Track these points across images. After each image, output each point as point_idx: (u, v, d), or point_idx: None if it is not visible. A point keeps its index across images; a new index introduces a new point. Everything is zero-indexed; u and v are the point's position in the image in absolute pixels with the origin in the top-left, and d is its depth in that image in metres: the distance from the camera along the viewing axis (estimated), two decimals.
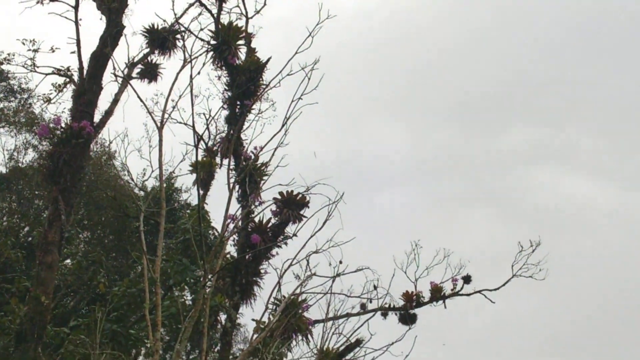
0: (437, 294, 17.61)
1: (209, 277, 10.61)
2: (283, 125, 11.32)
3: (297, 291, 11.77)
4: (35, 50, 16.76)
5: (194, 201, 27.51)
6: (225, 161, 16.11)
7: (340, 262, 11.79)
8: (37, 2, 16.88)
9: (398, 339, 13.50)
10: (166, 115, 11.59)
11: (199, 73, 11.92)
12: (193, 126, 11.13)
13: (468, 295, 17.75)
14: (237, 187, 14.47)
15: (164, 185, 11.95)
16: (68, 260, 25.60)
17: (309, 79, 11.26)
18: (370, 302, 15.74)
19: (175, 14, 16.29)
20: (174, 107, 11.80)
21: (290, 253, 13.54)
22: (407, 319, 17.31)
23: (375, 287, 14.88)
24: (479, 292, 17.73)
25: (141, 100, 11.44)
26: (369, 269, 12.75)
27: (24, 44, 16.84)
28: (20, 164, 33.69)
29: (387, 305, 16.83)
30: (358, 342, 14.09)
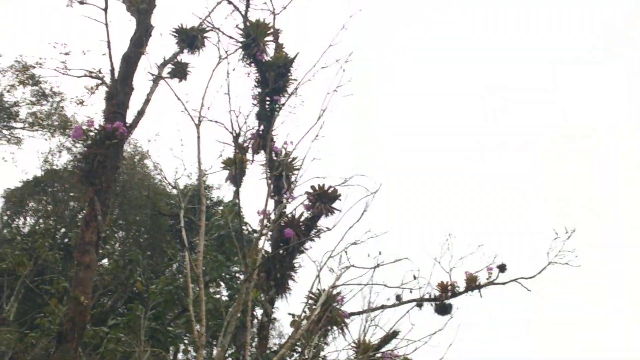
0: (472, 283, 17.59)
1: (252, 270, 10.68)
2: (319, 118, 11.35)
3: (336, 283, 11.81)
4: (67, 54, 16.93)
5: (226, 198, 27.68)
6: (257, 157, 16.24)
7: (380, 253, 11.82)
8: (67, 6, 17.08)
9: (440, 328, 13.49)
10: (203, 112, 11.67)
11: (234, 69, 11.98)
12: (231, 123, 11.23)
13: (503, 284, 17.71)
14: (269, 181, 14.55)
15: (199, 182, 12.05)
16: (105, 260, 25.86)
17: (344, 71, 11.30)
18: (411, 292, 15.79)
19: (203, 13, 16.47)
20: (210, 105, 11.87)
21: (323, 246, 13.60)
22: (443, 309, 17.32)
23: (415, 277, 14.92)
24: (515, 280, 17.67)
25: (178, 98, 11.55)
26: (408, 259, 12.76)
27: (55, 47, 17.01)
28: (54, 167, 34.02)
29: (422, 296, 16.84)
30: (394, 334, 14.09)
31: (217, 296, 18.47)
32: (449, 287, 17.46)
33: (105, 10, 16.38)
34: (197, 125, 11.61)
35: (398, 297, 16.33)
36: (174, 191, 26.62)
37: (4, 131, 34.19)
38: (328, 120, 11.26)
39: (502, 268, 17.69)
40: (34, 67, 29.21)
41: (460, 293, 17.52)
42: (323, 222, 15.24)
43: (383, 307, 13.82)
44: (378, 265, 12.07)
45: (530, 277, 17.59)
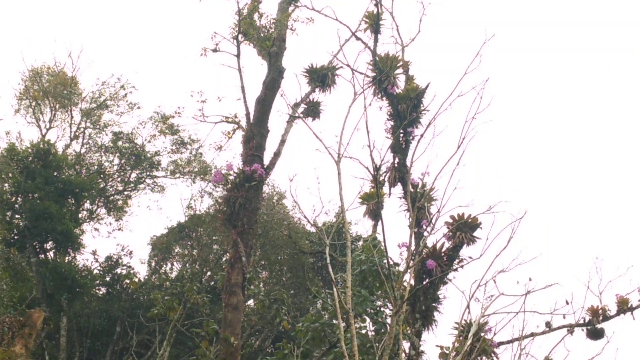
0: (624, 306, 16.99)
1: (401, 303, 10.65)
2: (459, 147, 11.25)
3: (485, 312, 11.61)
4: (203, 101, 17.40)
5: (365, 234, 27.71)
6: (393, 190, 16.20)
7: (530, 280, 11.59)
8: (201, 55, 17.61)
9: (598, 353, 13.08)
10: (342, 149, 11.76)
11: (370, 104, 12.05)
12: (372, 158, 11.28)
13: None
14: (407, 214, 14.50)
15: (340, 219, 12.13)
16: (250, 301, 26.26)
17: (482, 97, 11.20)
18: (564, 317, 15.42)
19: (332, 51, 16.66)
20: (348, 142, 11.95)
21: (466, 277, 13.42)
22: (595, 334, 16.78)
23: (567, 302, 14.56)
24: None
25: (317, 137, 11.69)
26: (558, 284, 12.44)
27: (192, 96, 17.51)
28: (197, 212, 34.94)
29: (576, 322, 16.38)
30: None
31: (364, 331, 18.43)
32: (600, 311, 16.91)
33: (238, 56, 16.83)
34: (337, 162, 11.69)
35: (547, 324, 15.92)
36: (314, 229, 26.85)
37: (148, 180, 35.45)
38: (469, 148, 11.16)
39: None
40: (172, 117, 30.19)
41: (612, 317, 16.94)
42: (464, 251, 15.06)
43: (533, 334, 13.53)
44: (529, 292, 11.82)
45: None
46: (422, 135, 13.17)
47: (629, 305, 16.99)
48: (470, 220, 14.86)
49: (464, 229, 14.87)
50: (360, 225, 31.71)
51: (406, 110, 15.94)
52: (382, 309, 19.51)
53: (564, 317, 15.48)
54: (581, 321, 16.75)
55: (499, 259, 11.00)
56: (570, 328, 16.41)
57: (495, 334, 13.14)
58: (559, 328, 15.86)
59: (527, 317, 12.68)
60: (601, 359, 13.15)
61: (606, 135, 72.14)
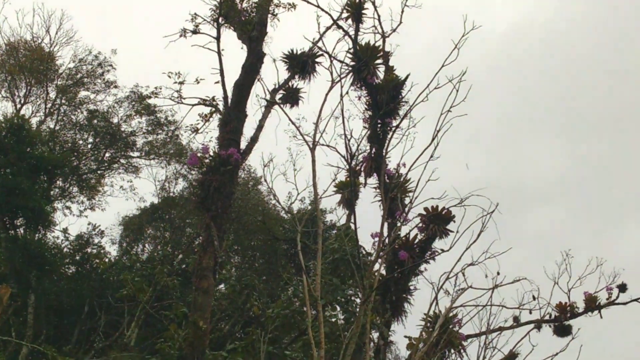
0: (592, 304, 17.10)
1: (370, 293, 10.64)
2: (433, 139, 11.25)
3: (453, 305, 11.65)
4: (181, 83, 17.25)
5: (340, 221, 27.73)
6: (369, 180, 16.18)
7: (498, 273, 11.63)
8: (181, 36, 17.45)
9: (562, 349, 13.18)
10: (317, 136, 11.72)
11: (347, 93, 12.02)
12: (346, 146, 11.25)
13: (624, 304, 17.16)
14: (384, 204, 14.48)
15: (314, 207, 12.13)
16: (222, 285, 26.19)
17: (457, 91, 11.18)
18: (530, 313, 15.50)
19: (313, 38, 16.59)
20: (324, 130, 11.92)
21: (437, 268, 13.45)
22: (563, 330, 16.89)
23: (534, 298, 14.62)
24: (636, 300, 17.11)
25: (292, 123, 11.68)
26: (527, 280, 12.50)
27: (169, 77, 17.33)
28: (171, 194, 34.80)
29: (542, 317, 16.47)
30: (514, 356, 13.83)
31: (333, 320, 18.47)
32: (568, 308, 17.02)
33: (218, 39, 16.71)
34: (312, 150, 11.67)
35: (515, 319, 15.99)
36: (288, 216, 26.84)
37: (122, 160, 35.24)
38: (443, 140, 11.16)
39: (622, 287, 17.14)
40: (149, 97, 30.00)
41: (580, 314, 17.06)
42: (437, 244, 15.09)
43: (501, 329, 13.57)
44: (497, 286, 11.89)
45: None
46: (397, 126, 13.16)
47: (597, 304, 17.10)
48: (444, 213, 14.88)
49: (437, 221, 14.89)
50: (335, 213, 31.74)
51: (385, 101, 15.90)
52: (353, 298, 19.55)
53: (530, 313, 15.58)
54: (549, 317, 16.87)
55: (471, 252, 11.03)
56: (538, 324, 16.52)
57: (461, 326, 13.21)
58: (526, 323, 15.94)
59: (497, 311, 12.77)
60: (566, 355, 13.27)
61: (583, 127, 72.57)
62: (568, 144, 72.01)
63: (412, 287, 15.06)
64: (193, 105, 16.94)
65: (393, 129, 15.08)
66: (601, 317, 17.09)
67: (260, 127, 16.19)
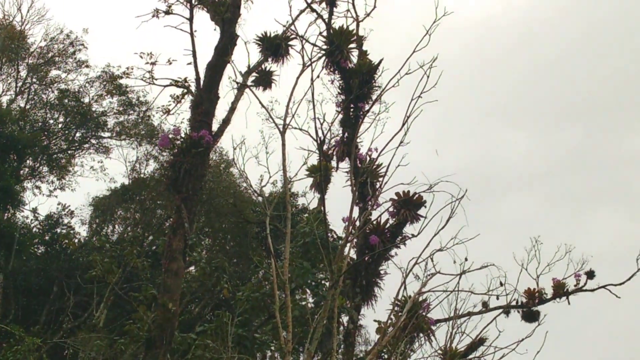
0: (560, 290, 17.25)
1: (338, 277, 10.65)
2: (403, 124, 11.25)
3: (422, 290, 11.70)
4: (153, 63, 17.11)
5: (311, 205, 27.74)
6: (341, 164, 16.18)
7: (466, 259, 11.69)
8: (153, 16, 17.30)
9: (528, 335, 13.29)
10: (288, 120, 11.70)
11: (318, 76, 11.98)
12: (316, 130, 11.23)
13: (592, 291, 17.32)
14: (354, 189, 14.49)
15: (284, 189, 12.11)
16: (192, 268, 26.16)
17: (428, 77, 11.17)
18: (498, 299, 15.61)
19: (287, 21, 16.53)
20: (295, 113, 11.90)
21: (408, 253, 13.50)
22: (530, 316, 17.03)
23: (502, 284, 14.72)
24: (603, 287, 17.27)
25: (263, 106, 11.62)
26: (494, 266, 12.58)
27: (141, 57, 17.19)
28: (142, 175, 34.66)
29: (509, 303, 16.60)
30: (481, 341, 13.94)
31: (303, 303, 18.49)
32: (536, 294, 17.17)
33: (191, 20, 16.57)
34: (282, 133, 11.65)
35: (484, 304, 16.11)
36: (260, 199, 26.81)
37: (93, 140, 35.04)
38: (414, 128, 11.16)
39: (590, 274, 17.31)
40: (121, 77, 29.83)
41: (548, 300, 17.21)
42: (408, 229, 15.12)
43: (469, 314, 13.66)
44: (464, 272, 11.96)
45: (620, 284, 17.17)
46: (368, 111, 13.15)
47: (565, 290, 17.26)
48: (415, 198, 14.91)
49: (408, 207, 14.92)
50: (306, 197, 31.73)
51: (357, 85, 15.88)
52: (323, 281, 19.57)
53: (498, 299, 15.69)
54: (518, 303, 17.01)
55: (440, 238, 11.08)
56: (506, 309, 16.65)
57: (429, 311, 13.28)
58: (495, 309, 16.06)
59: (465, 296, 12.86)
60: (533, 340, 13.38)
61: (555, 115, 73.06)
62: (540, 133, 72.46)
63: (382, 272, 15.10)
64: (165, 86, 16.81)
65: (364, 113, 15.09)
66: (569, 303, 17.25)
67: (232, 110, 16.10)
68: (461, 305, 12.87)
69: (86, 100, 33.88)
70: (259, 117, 14.65)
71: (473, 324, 13.04)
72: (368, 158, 15.26)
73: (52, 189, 34.41)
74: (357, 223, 13.71)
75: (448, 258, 11.73)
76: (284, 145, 11.54)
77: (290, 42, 17.61)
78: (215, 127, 15.70)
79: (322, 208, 12.91)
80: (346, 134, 15.98)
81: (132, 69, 18.20)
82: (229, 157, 34.29)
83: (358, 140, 15.05)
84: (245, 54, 16.72)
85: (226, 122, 15.96)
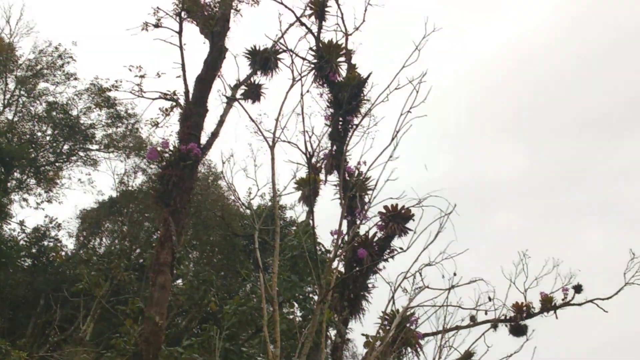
0: (548, 304, 17.30)
1: (326, 291, 10.61)
2: (393, 139, 11.22)
3: (410, 304, 11.67)
4: (142, 76, 17.11)
5: (300, 218, 27.70)
6: (330, 177, 16.17)
7: (455, 274, 11.66)
8: (143, 29, 17.31)
9: (516, 350, 13.27)
10: (277, 133, 11.66)
11: (308, 91, 11.95)
12: (305, 144, 11.20)
13: (580, 304, 17.38)
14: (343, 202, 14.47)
15: (273, 203, 12.06)
16: (179, 281, 26.07)
17: (417, 92, 11.15)
18: (486, 313, 15.58)
19: (276, 35, 16.54)
20: (284, 126, 11.85)
21: (396, 267, 13.49)
22: (518, 330, 17.03)
23: (490, 299, 14.70)
24: (591, 301, 17.32)
25: (252, 120, 11.58)
26: (483, 280, 12.55)
27: (130, 70, 17.20)
28: (130, 188, 34.55)
29: (497, 317, 16.59)
30: (470, 355, 13.89)
31: (291, 317, 18.44)
32: (524, 308, 17.19)
33: (180, 33, 16.59)
34: (271, 147, 11.60)
35: (472, 318, 16.11)
36: (248, 212, 26.75)
37: (81, 153, 34.90)
38: (403, 140, 11.14)
39: (577, 289, 17.36)
40: (109, 90, 29.75)
41: (536, 314, 17.25)
42: (396, 242, 15.11)
43: (458, 327, 13.63)
44: (453, 287, 11.91)
45: (607, 298, 17.22)
46: (358, 124, 13.14)
47: (553, 304, 17.29)
48: (403, 211, 14.91)
49: (396, 220, 14.92)
50: (294, 210, 31.68)
51: (346, 99, 15.89)
52: (311, 295, 19.53)
53: (486, 314, 15.67)
54: (506, 317, 17.01)
55: (429, 252, 11.04)
56: (494, 323, 16.64)
57: (417, 325, 13.23)
58: (483, 322, 16.06)
59: (453, 310, 12.82)
60: (521, 355, 13.36)
61: (544, 132, 73.31)
62: (529, 148, 72.69)
63: (370, 286, 15.07)
64: (154, 99, 16.82)
65: (354, 127, 15.09)
66: (557, 317, 17.28)
67: (221, 123, 16.12)
68: (449, 320, 12.83)
69: (74, 112, 33.76)
70: (248, 130, 14.63)
71: (461, 338, 12.99)
72: (357, 171, 15.25)
73: (40, 201, 34.27)
74: (346, 237, 13.69)
75: (437, 272, 11.69)
76: (273, 159, 11.48)
77: (279, 56, 17.64)
78: (204, 139, 15.71)
79: (311, 221, 12.87)
80: (335, 147, 15.98)
81: (121, 81, 18.22)
82: (217, 169, 34.27)
83: (347, 153, 15.04)
84: (234, 67, 16.75)
85: (215, 135, 15.96)
